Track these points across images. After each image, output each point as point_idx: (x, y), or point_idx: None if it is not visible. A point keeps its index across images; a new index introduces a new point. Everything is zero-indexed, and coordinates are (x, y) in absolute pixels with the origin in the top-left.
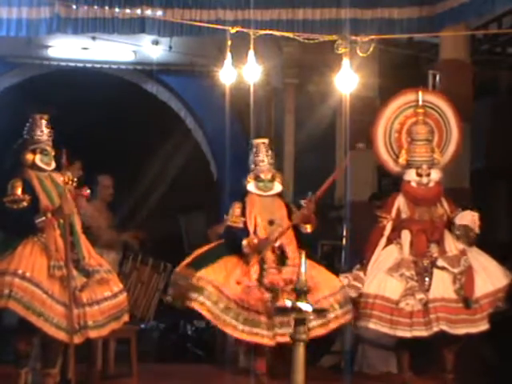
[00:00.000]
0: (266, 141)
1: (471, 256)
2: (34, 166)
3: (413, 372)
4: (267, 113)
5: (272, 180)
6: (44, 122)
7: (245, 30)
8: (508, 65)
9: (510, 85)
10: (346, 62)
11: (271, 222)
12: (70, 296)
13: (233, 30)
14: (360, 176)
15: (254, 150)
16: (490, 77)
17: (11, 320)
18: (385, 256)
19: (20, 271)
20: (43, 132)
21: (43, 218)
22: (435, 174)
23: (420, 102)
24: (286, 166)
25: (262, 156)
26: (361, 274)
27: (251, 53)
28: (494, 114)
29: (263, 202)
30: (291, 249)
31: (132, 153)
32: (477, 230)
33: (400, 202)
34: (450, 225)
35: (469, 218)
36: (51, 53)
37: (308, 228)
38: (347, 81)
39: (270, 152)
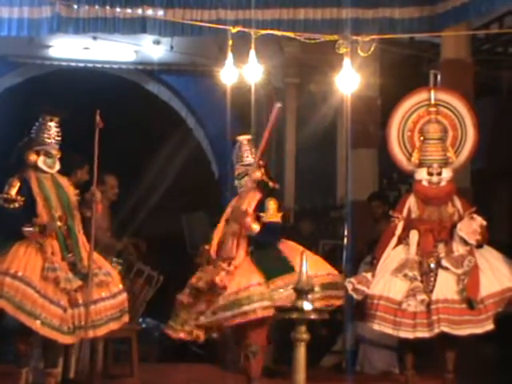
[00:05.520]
0: (249, 137)
1: (480, 255)
2: (35, 166)
3: (415, 371)
4: (268, 112)
5: (244, 176)
6: (53, 124)
7: (246, 30)
8: (509, 65)
9: (511, 84)
10: (347, 61)
11: (227, 221)
12: (89, 294)
13: (234, 30)
14: (361, 175)
15: (237, 146)
16: (491, 77)
17: (12, 320)
18: (393, 256)
19: (12, 270)
20: (50, 134)
21: (31, 230)
22: (447, 173)
23: (432, 101)
24: (287, 165)
25: (245, 153)
26: (368, 275)
27: (252, 52)
28: (495, 114)
29: (237, 198)
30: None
31: (133, 153)
32: (473, 241)
33: (411, 201)
34: None
35: (467, 229)
36: (52, 53)
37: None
38: (348, 80)
39: (253, 149)
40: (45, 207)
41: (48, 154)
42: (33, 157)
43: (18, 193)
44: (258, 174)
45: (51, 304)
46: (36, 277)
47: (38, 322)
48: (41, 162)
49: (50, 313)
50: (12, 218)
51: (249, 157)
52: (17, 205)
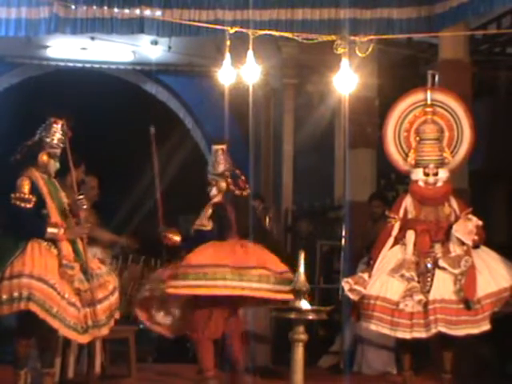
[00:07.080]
0: (223, 146)
1: (477, 256)
2: (43, 168)
3: (412, 372)
4: (266, 113)
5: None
6: (59, 127)
7: (244, 31)
8: (507, 65)
9: (508, 85)
10: (344, 62)
11: None
12: (94, 294)
13: (232, 31)
14: (359, 176)
15: (213, 154)
16: (489, 77)
17: (10, 321)
18: (389, 257)
19: (36, 273)
20: (56, 137)
21: (56, 231)
22: (443, 174)
23: (428, 101)
24: (284, 165)
25: (218, 161)
26: (364, 275)
27: (250, 53)
28: (493, 115)
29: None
30: None
31: (130, 153)
32: (470, 241)
33: (407, 201)
34: None
35: (463, 230)
36: (50, 53)
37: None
38: (346, 81)
39: (226, 157)
40: (53, 208)
41: (55, 158)
42: (45, 158)
43: (30, 192)
44: (223, 185)
45: (68, 304)
46: (56, 278)
47: (62, 324)
48: (52, 164)
49: (69, 313)
50: (25, 218)
51: (221, 166)
52: (30, 205)
